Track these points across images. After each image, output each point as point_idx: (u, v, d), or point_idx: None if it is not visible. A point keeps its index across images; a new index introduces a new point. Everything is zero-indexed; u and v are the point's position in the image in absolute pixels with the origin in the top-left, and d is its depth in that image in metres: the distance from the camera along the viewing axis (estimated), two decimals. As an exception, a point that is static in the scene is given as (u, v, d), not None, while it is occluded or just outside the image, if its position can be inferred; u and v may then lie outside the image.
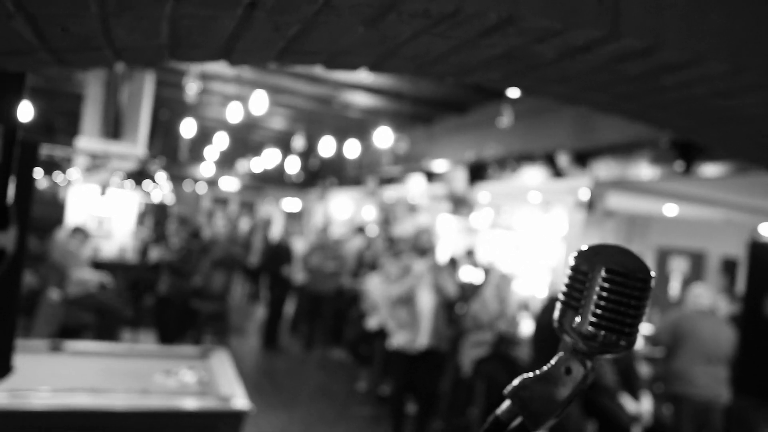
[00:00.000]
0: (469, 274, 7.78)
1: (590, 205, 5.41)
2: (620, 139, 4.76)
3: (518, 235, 9.65)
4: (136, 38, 0.65)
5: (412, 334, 4.67)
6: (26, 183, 1.00)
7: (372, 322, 5.94)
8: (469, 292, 5.81)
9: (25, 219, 1.00)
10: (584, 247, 0.67)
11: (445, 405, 5.33)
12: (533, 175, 6.26)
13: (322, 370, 7.15)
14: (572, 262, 0.67)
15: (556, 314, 0.68)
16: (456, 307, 5.40)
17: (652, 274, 0.65)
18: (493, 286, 4.94)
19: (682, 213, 7.03)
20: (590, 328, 0.65)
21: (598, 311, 0.64)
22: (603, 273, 0.64)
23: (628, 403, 3.96)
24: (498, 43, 0.72)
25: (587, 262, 0.66)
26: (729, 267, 6.94)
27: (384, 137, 8.63)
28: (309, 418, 5.36)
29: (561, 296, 0.68)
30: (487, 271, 5.86)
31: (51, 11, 0.57)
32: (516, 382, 0.69)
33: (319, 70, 7.69)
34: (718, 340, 4.21)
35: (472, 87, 7.33)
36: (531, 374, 0.69)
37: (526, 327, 5.18)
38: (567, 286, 0.68)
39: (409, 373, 4.78)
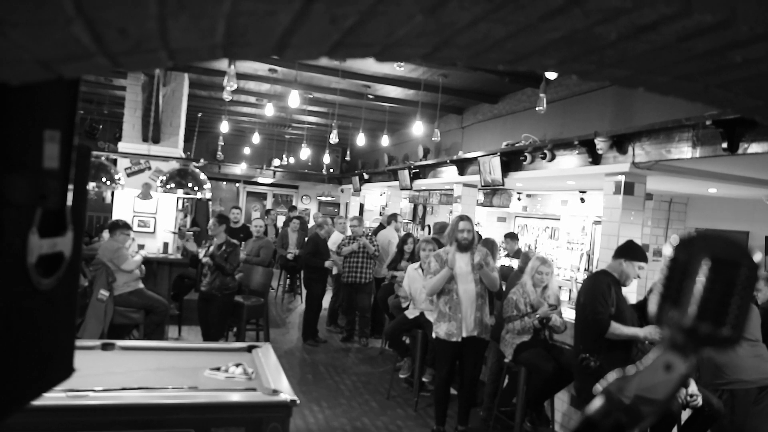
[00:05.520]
0: (508, 260, 7.70)
1: (628, 189, 5.28)
2: (659, 121, 4.62)
3: (554, 222, 9.52)
4: (191, 38, 0.64)
5: (454, 324, 4.66)
6: (80, 187, 1.02)
7: (411, 312, 5.94)
8: (509, 277, 5.76)
9: (80, 223, 1.01)
10: (683, 237, 0.64)
11: (488, 393, 5.31)
12: (569, 161, 6.14)
13: (363, 360, 7.20)
14: (670, 253, 0.63)
15: (653, 308, 0.64)
16: (496, 295, 5.36)
17: (757, 260, 0.60)
18: (530, 272, 4.89)
19: (723, 193, 6.82)
20: (691, 320, 0.61)
21: (701, 302, 0.60)
22: (705, 262, 0.60)
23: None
24: (560, 26, 0.69)
25: (687, 252, 0.62)
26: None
27: (417, 129, 8.60)
28: (353, 409, 5.40)
29: (658, 288, 0.64)
30: (526, 257, 5.79)
31: (110, 14, 0.57)
32: (610, 379, 0.65)
33: (352, 64, 7.70)
34: (749, 319, 4.07)
35: (506, 74, 7.24)
36: (627, 371, 0.64)
37: (566, 312, 5.11)
38: (665, 277, 0.63)
39: (452, 361, 4.77)
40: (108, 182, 6.86)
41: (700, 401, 3.82)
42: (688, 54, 0.84)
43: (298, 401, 3.17)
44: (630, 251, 3.99)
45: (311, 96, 9.81)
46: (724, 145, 3.90)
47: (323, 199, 17.87)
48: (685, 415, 4.03)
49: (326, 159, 13.25)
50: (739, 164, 4.58)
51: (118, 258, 5.87)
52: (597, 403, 0.64)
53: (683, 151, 4.43)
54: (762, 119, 1.05)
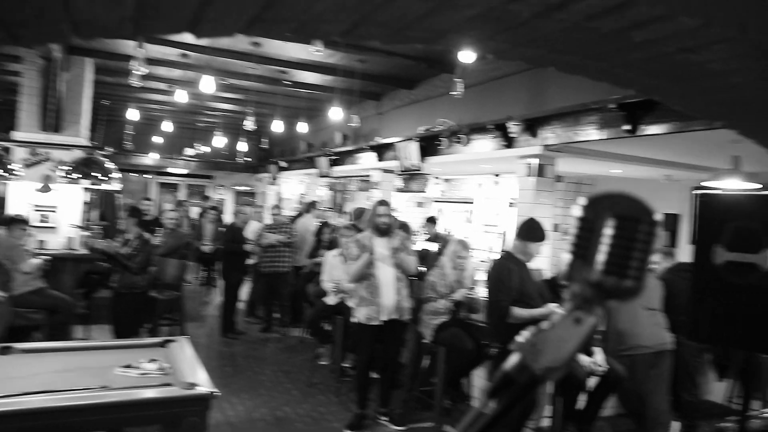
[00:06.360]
0: (427, 244, 7.85)
1: (540, 171, 5.51)
2: (568, 105, 4.85)
3: (471, 204, 9.79)
4: (98, 9, 0.61)
5: (374, 308, 4.70)
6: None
7: (331, 299, 5.94)
8: (427, 261, 5.88)
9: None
10: (590, 196, 0.67)
11: (408, 374, 5.41)
12: (484, 144, 6.33)
13: (283, 350, 7.13)
14: (579, 212, 0.67)
15: (565, 266, 0.68)
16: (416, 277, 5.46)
17: (657, 217, 0.65)
18: (450, 255, 5.02)
19: (626, 174, 7.27)
20: (598, 275, 0.65)
21: (606, 257, 0.64)
22: (610, 219, 0.64)
23: (581, 357, 4.09)
24: (476, 3, 0.71)
25: (593, 211, 0.66)
26: (670, 222, 7.23)
27: (334, 115, 8.56)
28: (274, 399, 5.34)
29: (569, 247, 0.68)
30: (444, 240, 5.95)
31: (5, -22, 0.53)
32: (524, 335, 0.68)
33: (268, 49, 7.52)
34: (649, 289, 4.39)
35: (423, 60, 7.33)
36: (540, 327, 0.68)
37: (483, 292, 5.28)
38: (574, 236, 0.67)
39: (373, 345, 4.81)
40: (3, 173, 6.38)
41: (605, 368, 4.08)
42: (594, 34, 0.89)
43: (217, 393, 3.09)
44: (531, 231, 4.19)
45: (226, 82, 9.51)
46: (626, 127, 4.15)
47: (239, 188, 17.45)
48: (593, 383, 4.28)
49: (242, 147, 12.92)
50: (640, 145, 4.90)
51: (15, 256, 5.49)
52: (513, 359, 0.67)
53: (590, 133, 4.67)
54: (660, 98, 1.14)
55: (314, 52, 6.52)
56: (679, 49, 0.90)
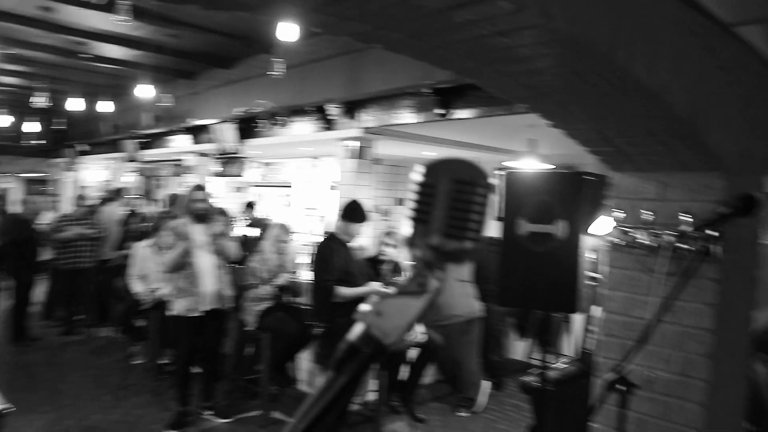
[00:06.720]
0: (247, 229, 7.67)
1: (360, 154, 5.66)
2: (386, 89, 5.03)
3: (291, 188, 9.76)
4: None
5: (194, 299, 4.46)
6: None
7: (144, 293, 5.52)
8: (248, 246, 5.74)
9: None
10: (428, 162, 0.67)
11: (231, 364, 5.26)
12: (304, 127, 6.32)
13: (90, 353, 6.50)
14: (418, 178, 0.66)
15: (406, 231, 0.67)
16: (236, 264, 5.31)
17: (492, 181, 0.67)
18: (271, 239, 4.97)
19: (440, 156, 7.78)
20: (440, 238, 0.65)
21: (446, 221, 0.65)
22: (448, 183, 0.65)
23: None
24: (303, -31, 0.66)
25: (432, 176, 0.66)
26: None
27: (143, 94, 7.92)
28: (81, 408, 4.85)
29: (409, 213, 0.67)
30: (264, 225, 5.85)
31: None
32: (368, 305, 0.66)
33: (64, 15, 6.69)
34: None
35: (239, 38, 7.05)
36: (384, 295, 0.67)
37: (306, 275, 5.31)
38: (414, 201, 0.67)
39: (192, 338, 4.57)
40: None
41: (424, 339, 4.35)
42: (420, 12, 0.91)
43: (9, 409, 2.70)
44: (353, 213, 4.35)
45: (9, 52, 8.26)
46: (439, 111, 4.43)
47: (28, 175, 15.42)
48: (413, 354, 4.54)
49: (31, 128, 11.42)
50: (451, 129, 5.25)
51: None
52: (358, 329, 0.66)
53: (405, 116, 4.90)
54: (475, 80, 1.22)
55: (118, 22, 5.90)
56: (493, 32, 0.95)
